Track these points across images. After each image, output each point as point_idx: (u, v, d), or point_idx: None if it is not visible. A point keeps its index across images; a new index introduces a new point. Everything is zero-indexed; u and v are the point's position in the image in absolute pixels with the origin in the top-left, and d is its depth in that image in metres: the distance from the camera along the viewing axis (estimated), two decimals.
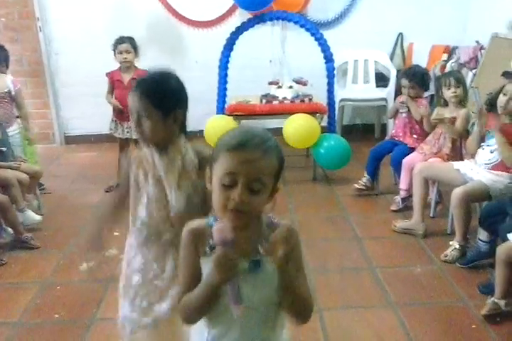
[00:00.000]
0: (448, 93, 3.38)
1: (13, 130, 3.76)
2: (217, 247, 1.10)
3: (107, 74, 4.06)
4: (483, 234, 2.82)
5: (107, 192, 4.07)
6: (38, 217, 3.52)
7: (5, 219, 3.20)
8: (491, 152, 2.95)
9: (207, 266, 1.13)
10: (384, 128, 5.31)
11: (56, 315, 2.54)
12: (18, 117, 3.85)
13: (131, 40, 4.00)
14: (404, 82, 3.76)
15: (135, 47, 4.01)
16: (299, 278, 1.16)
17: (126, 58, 3.96)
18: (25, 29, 5.21)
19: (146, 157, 1.65)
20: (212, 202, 1.13)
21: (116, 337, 2.30)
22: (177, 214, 1.62)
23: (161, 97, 1.56)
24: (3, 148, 3.46)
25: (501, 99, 2.86)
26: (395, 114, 3.93)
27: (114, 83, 4.03)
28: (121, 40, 3.98)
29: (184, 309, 1.17)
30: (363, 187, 3.91)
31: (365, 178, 3.93)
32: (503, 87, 2.91)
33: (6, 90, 3.70)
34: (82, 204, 3.91)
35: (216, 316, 1.17)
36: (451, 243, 2.97)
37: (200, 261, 1.16)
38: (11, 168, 3.39)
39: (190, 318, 1.19)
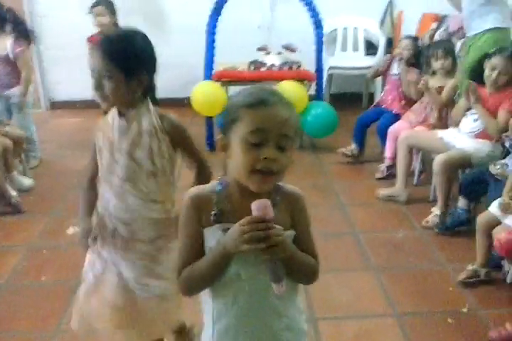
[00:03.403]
0: (436, 64, 3.40)
1: (14, 92, 3.72)
2: (246, 218, 1.01)
3: (89, 39, 3.97)
4: (462, 202, 2.88)
5: None
6: (28, 182, 3.54)
7: None
8: (475, 120, 2.98)
9: (212, 235, 1.09)
10: (371, 97, 5.31)
11: (43, 278, 2.58)
12: None
13: (106, 3, 3.90)
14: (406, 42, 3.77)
15: (111, 10, 3.91)
16: (304, 244, 1.14)
17: (100, 21, 3.87)
18: None
19: (108, 121, 1.58)
20: (234, 166, 1.06)
21: None
22: (122, 180, 1.56)
23: (125, 57, 1.46)
24: None
25: (490, 74, 2.85)
26: (378, 75, 3.97)
27: None
28: (95, 3, 3.89)
29: (187, 279, 1.11)
30: (349, 154, 3.95)
31: (352, 146, 3.96)
32: (484, 59, 2.91)
33: (4, 53, 3.63)
34: (69, 168, 3.90)
35: (222, 287, 1.11)
36: (432, 209, 3.03)
37: (204, 230, 1.10)
38: None
39: (193, 289, 1.14)
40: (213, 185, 1.14)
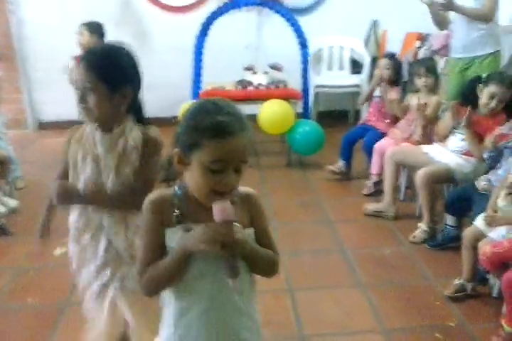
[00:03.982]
0: (419, 82, 3.46)
1: None
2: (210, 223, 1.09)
3: (75, 58, 4.00)
4: (450, 219, 2.89)
5: None
6: (13, 203, 3.51)
7: None
8: (462, 140, 3.00)
9: (174, 235, 1.15)
10: (358, 114, 5.37)
11: (30, 299, 2.54)
12: None
13: (89, 24, 3.96)
14: (384, 62, 3.80)
15: (94, 31, 3.96)
16: (263, 238, 1.22)
17: (80, 41, 3.93)
18: None
19: (88, 135, 1.57)
20: (192, 182, 1.13)
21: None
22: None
23: (109, 70, 1.46)
24: None
25: (488, 102, 2.80)
26: (367, 100, 4.02)
27: None
28: (81, 24, 3.96)
29: (150, 279, 1.17)
30: (337, 171, 3.97)
31: (339, 163, 3.99)
32: (476, 83, 2.90)
33: None
34: None
35: (185, 286, 1.17)
36: (419, 225, 3.05)
37: (166, 230, 1.16)
38: None
39: (155, 289, 1.20)
40: (173, 189, 1.20)
